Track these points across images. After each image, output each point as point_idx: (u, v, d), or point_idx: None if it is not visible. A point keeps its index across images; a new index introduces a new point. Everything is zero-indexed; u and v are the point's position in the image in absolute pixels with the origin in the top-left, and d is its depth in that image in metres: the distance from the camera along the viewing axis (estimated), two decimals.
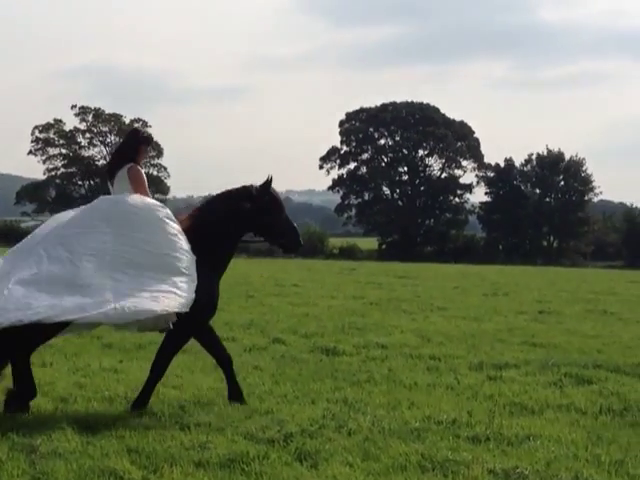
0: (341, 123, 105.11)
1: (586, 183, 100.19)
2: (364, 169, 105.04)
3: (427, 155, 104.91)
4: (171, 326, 9.69)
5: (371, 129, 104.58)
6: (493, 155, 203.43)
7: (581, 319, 22.15)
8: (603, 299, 30.31)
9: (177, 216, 10.14)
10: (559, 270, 65.49)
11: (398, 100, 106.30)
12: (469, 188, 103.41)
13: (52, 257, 9.28)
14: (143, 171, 10.38)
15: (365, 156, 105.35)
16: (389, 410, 9.88)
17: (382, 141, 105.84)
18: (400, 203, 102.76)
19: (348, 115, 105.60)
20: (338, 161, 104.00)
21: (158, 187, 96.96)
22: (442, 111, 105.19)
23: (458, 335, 17.30)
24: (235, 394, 10.23)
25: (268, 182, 10.51)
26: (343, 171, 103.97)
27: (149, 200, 9.99)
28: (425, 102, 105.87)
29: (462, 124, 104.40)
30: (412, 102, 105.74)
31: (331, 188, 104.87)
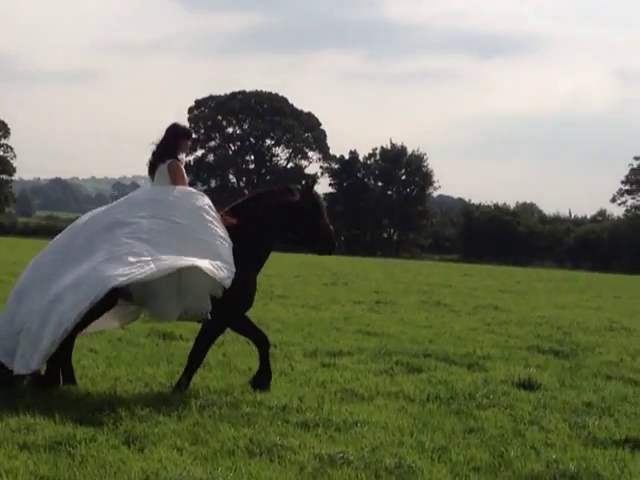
0: (190, 110, 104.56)
1: (427, 178, 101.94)
2: (211, 157, 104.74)
3: (274, 145, 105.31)
4: (209, 316, 9.91)
5: (219, 117, 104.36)
6: (339, 147, 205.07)
7: (415, 310, 22.49)
8: (438, 291, 30.90)
9: (220, 209, 10.43)
10: (398, 262, 66.50)
11: (247, 89, 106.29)
12: (314, 179, 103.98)
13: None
14: (183, 166, 10.62)
15: (213, 144, 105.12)
16: (221, 395, 9.81)
17: (230, 129, 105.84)
18: (246, 192, 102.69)
19: (197, 102, 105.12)
20: None
21: (4, 167, 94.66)
22: (290, 102, 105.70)
23: (295, 323, 17.35)
24: (263, 378, 10.47)
25: (311, 184, 10.85)
26: (191, 158, 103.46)
27: (189, 189, 10.34)
28: (274, 92, 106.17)
29: (310, 115, 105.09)
30: (261, 91, 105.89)
31: None
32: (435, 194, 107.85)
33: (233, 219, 10.45)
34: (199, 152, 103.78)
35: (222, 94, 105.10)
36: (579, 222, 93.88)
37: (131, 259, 9.33)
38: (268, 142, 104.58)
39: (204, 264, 9.47)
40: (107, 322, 10.63)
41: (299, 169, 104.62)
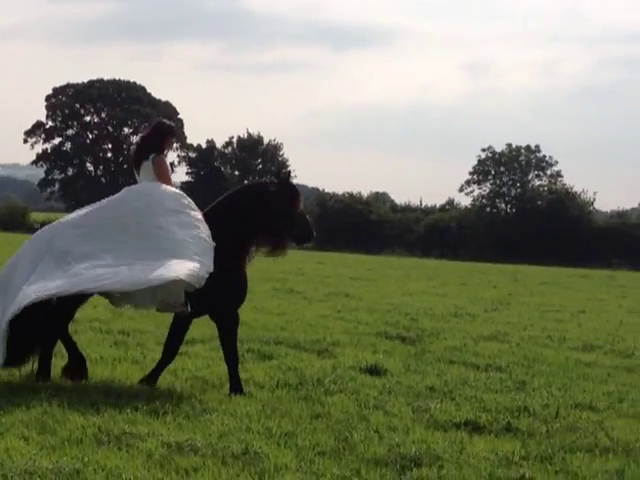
0: (48, 98, 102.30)
1: (282, 167, 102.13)
2: (69, 145, 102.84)
3: (132, 133, 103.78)
4: (189, 308, 9.88)
5: (77, 105, 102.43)
6: (196, 136, 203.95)
7: (269, 297, 22.52)
8: (292, 278, 30.99)
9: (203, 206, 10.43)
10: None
11: (106, 77, 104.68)
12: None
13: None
14: (167, 161, 10.70)
15: (70, 132, 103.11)
16: (71, 384, 9.67)
17: (88, 117, 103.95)
18: (103, 180, 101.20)
19: (55, 90, 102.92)
20: (43, 136, 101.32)
21: None
22: (148, 90, 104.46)
23: (149, 311, 17.15)
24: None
25: (287, 175, 10.93)
26: (48, 146, 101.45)
27: (170, 190, 10.27)
28: (132, 81, 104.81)
29: (167, 104, 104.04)
30: (119, 80, 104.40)
31: (35, 162, 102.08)
32: None
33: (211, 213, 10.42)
34: (56, 140, 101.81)
35: (80, 82, 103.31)
36: (429, 211, 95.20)
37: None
38: (126, 130, 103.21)
39: (177, 272, 9.41)
40: None
41: None
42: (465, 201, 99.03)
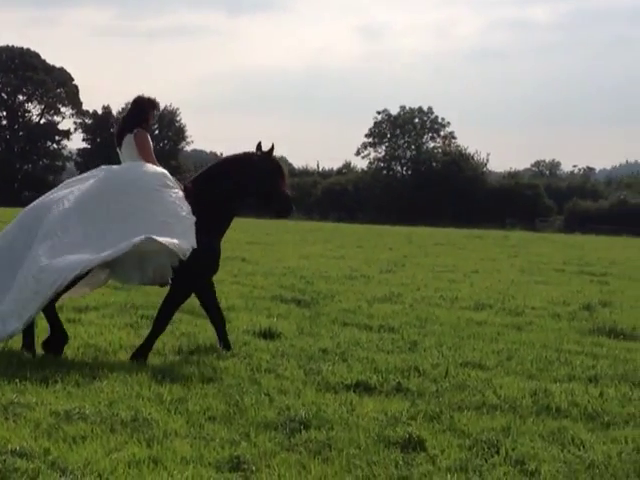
0: None
1: (180, 133, 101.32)
2: None
3: (26, 100, 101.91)
4: (170, 281, 10.09)
5: None
6: (93, 103, 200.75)
7: None
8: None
9: (182, 180, 10.68)
10: None
11: None
12: (67, 134, 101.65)
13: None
14: (149, 135, 10.62)
15: None
16: None
17: None
18: None
19: None
20: None
21: None
22: (43, 57, 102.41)
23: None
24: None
25: (270, 149, 10.81)
26: None
27: (150, 168, 10.25)
28: (26, 47, 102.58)
29: (62, 70, 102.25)
30: (12, 46, 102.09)
31: None
32: (189, 149, 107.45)
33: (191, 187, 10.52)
34: None
35: None
36: (326, 174, 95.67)
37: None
38: (20, 98, 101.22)
39: (161, 239, 9.55)
40: (79, 289, 10.61)
41: (52, 125, 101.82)
42: (362, 164, 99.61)
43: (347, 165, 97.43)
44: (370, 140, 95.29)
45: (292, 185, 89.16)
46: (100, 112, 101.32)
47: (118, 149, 10.68)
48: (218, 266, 10.75)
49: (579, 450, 7.02)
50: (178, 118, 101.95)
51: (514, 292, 19.31)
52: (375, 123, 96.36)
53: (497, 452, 6.86)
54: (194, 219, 10.00)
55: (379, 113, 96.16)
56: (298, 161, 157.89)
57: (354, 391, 8.69)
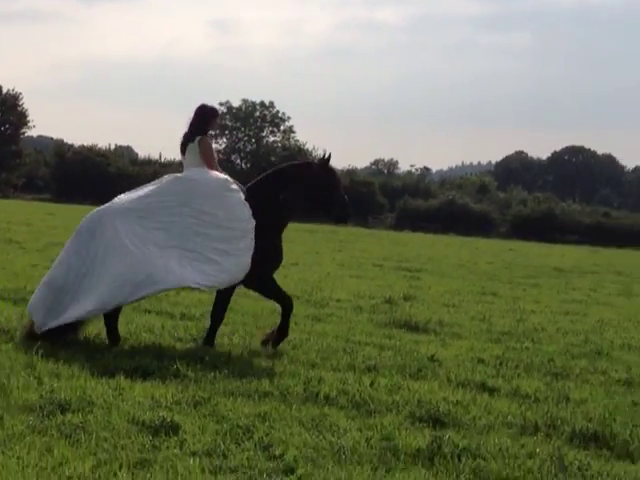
0: None
1: (21, 118, 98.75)
2: None
3: None
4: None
5: None
6: None
7: None
8: (15, 228, 30.15)
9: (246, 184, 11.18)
10: None
11: None
12: None
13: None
14: (213, 143, 11.22)
15: None
16: None
17: None
18: None
19: None
20: None
21: None
22: None
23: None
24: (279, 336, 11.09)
25: (327, 158, 11.36)
26: None
27: (214, 174, 10.73)
28: None
29: None
30: None
31: None
32: (34, 134, 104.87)
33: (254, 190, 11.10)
34: None
35: None
36: (167, 164, 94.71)
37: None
38: None
39: (205, 282, 10.36)
40: None
41: None
42: None
43: None
44: (212, 132, 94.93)
45: (132, 174, 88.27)
46: None
47: (182, 158, 11.12)
48: (281, 260, 11.37)
49: (333, 436, 7.10)
50: (20, 102, 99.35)
51: (325, 285, 19.50)
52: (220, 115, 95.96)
53: (251, 437, 6.89)
54: (254, 223, 10.63)
55: (221, 104, 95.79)
56: (143, 151, 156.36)
57: (131, 376, 8.59)
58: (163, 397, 7.80)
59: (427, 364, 10.65)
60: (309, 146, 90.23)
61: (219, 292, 10.95)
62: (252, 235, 10.58)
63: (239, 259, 10.50)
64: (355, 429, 7.40)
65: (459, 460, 6.74)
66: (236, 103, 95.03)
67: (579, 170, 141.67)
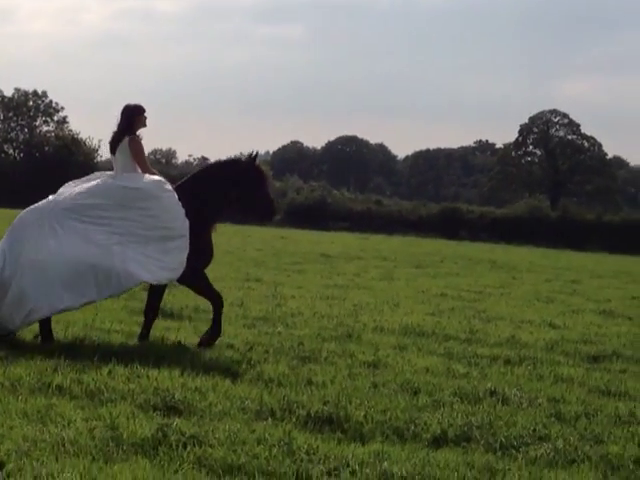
0: None
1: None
2: None
3: None
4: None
5: None
6: None
7: None
8: None
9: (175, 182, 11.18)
10: None
11: None
12: None
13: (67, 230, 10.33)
14: (142, 140, 11.12)
15: None
16: None
17: None
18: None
19: None
20: None
21: None
22: None
23: None
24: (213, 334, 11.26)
25: (254, 156, 11.42)
26: None
27: (148, 178, 10.79)
28: None
29: None
30: None
31: None
32: None
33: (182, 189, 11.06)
34: None
35: None
36: None
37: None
38: None
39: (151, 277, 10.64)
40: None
41: None
42: None
43: None
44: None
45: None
46: None
47: (112, 159, 11.06)
48: (212, 257, 11.61)
49: (56, 428, 6.76)
50: None
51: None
52: None
53: None
54: (187, 222, 10.72)
55: None
56: None
57: None
58: None
59: (173, 350, 10.41)
60: (83, 136, 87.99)
61: (152, 288, 11.18)
62: (187, 234, 10.72)
63: (177, 257, 10.67)
64: (81, 419, 7.06)
65: (184, 448, 6.51)
66: (9, 92, 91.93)
67: (353, 159, 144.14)
